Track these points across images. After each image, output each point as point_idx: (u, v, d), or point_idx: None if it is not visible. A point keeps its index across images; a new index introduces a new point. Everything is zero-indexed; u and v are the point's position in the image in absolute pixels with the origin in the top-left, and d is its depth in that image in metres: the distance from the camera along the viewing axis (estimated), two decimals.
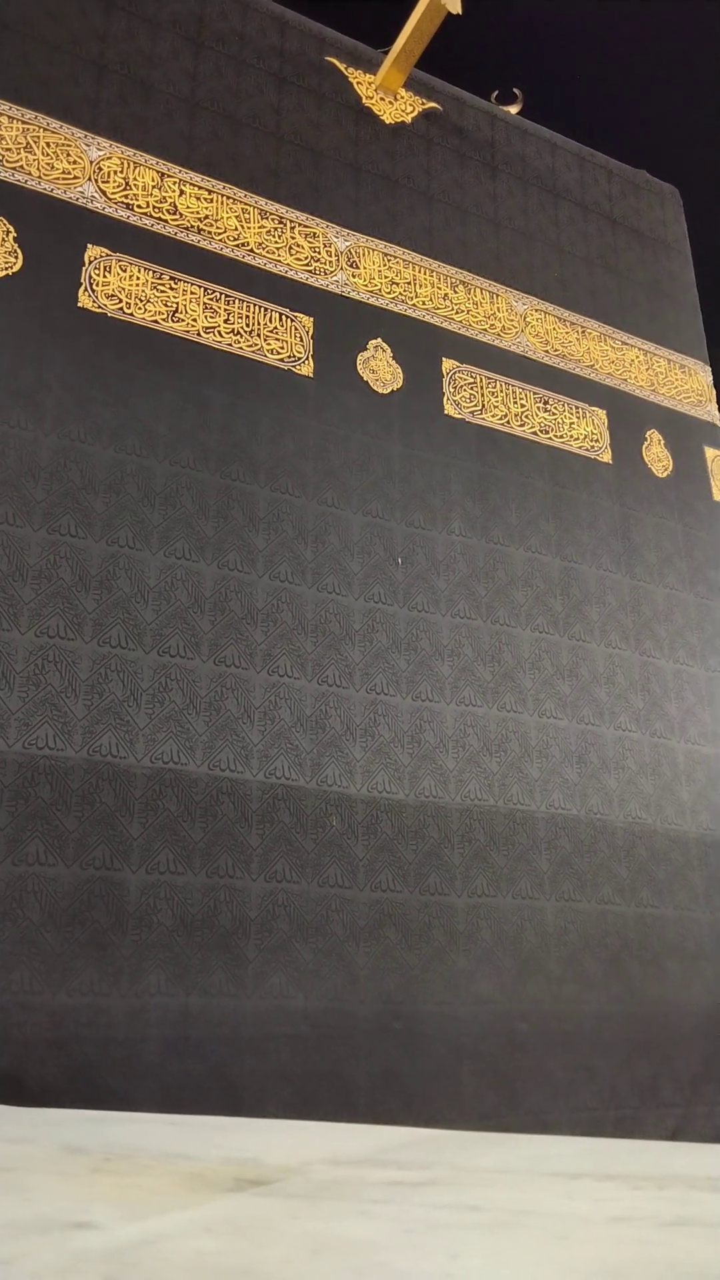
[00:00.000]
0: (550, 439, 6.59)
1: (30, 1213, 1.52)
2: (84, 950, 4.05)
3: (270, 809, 4.69)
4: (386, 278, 6.27)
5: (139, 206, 5.47)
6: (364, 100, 6.65)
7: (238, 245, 5.74)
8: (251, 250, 5.78)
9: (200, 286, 5.50)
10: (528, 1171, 2.05)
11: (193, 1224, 1.47)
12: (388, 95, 6.76)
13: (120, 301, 5.21)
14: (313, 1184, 1.82)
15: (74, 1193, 1.69)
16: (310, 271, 5.96)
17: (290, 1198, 1.68)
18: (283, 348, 5.67)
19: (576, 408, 6.84)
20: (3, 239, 4.97)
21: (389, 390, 5.99)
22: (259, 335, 5.61)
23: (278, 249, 5.88)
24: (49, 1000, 3.92)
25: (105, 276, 5.21)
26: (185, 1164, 2.02)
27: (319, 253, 6.04)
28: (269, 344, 5.62)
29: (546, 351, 6.87)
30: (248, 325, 5.58)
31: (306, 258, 5.98)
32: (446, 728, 5.38)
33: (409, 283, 6.37)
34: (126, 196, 5.45)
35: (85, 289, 5.13)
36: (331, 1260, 1.27)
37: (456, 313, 6.51)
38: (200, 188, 5.73)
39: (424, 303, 6.38)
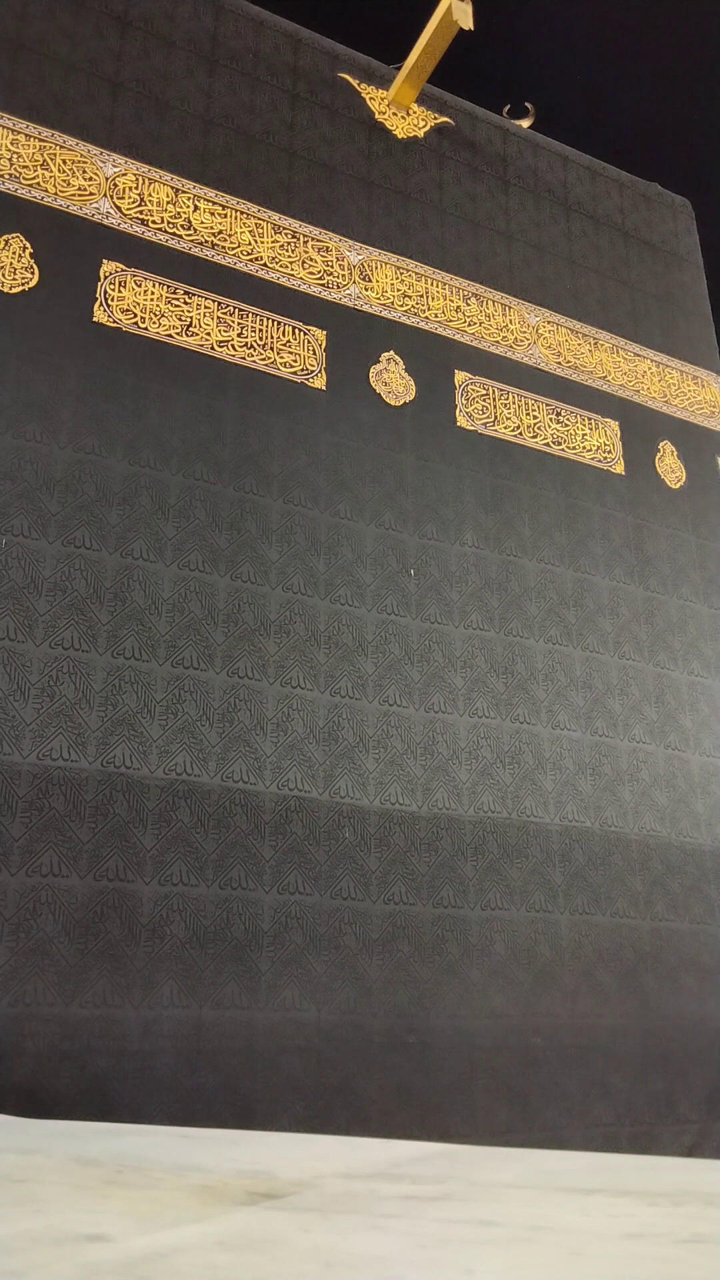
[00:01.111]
0: (563, 450, 6.59)
1: (42, 1224, 1.52)
2: (97, 962, 4.05)
3: (283, 820, 4.69)
4: (399, 291, 6.30)
5: (154, 222, 5.52)
6: (376, 115, 6.70)
7: (251, 260, 5.78)
8: (265, 264, 5.82)
9: (214, 301, 5.54)
10: (542, 1187, 2.03)
11: (205, 1237, 1.46)
12: (400, 110, 6.81)
13: (135, 316, 5.26)
14: (325, 1198, 1.81)
15: (86, 1205, 1.69)
16: (323, 285, 6.00)
17: (303, 1211, 1.67)
18: (296, 361, 5.70)
19: (589, 419, 6.84)
20: (20, 255, 5.03)
21: (401, 402, 6.01)
22: (272, 349, 5.64)
23: (291, 263, 5.92)
24: (62, 1012, 3.92)
25: (120, 291, 5.26)
26: (198, 1177, 2.02)
27: (332, 266, 6.08)
28: (282, 357, 5.66)
29: (559, 363, 6.88)
30: (261, 339, 5.62)
31: (319, 271, 6.02)
32: (459, 739, 5.37)
33: (421, 296, 6.39)
34: (141, 212, 5.50)
35: (100, 304, 5.18)
36: (344, 1275, 1.26)
37: (469, 325, 6.53)
38: (214, 203, 5.78)
39: (436, 315, 6.40)
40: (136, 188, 5.55)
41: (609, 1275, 1.27)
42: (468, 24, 6.24)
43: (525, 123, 7.60)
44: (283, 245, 5.94)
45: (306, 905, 4.59)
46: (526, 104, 7.66)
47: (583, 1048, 5.06)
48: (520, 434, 6.44)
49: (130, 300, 5.28)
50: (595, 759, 5.82)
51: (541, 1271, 1.28)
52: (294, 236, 6.01)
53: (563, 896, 5.34)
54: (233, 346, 5.51)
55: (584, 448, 6.71)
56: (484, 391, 6.40)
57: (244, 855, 4.53)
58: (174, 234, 5.57)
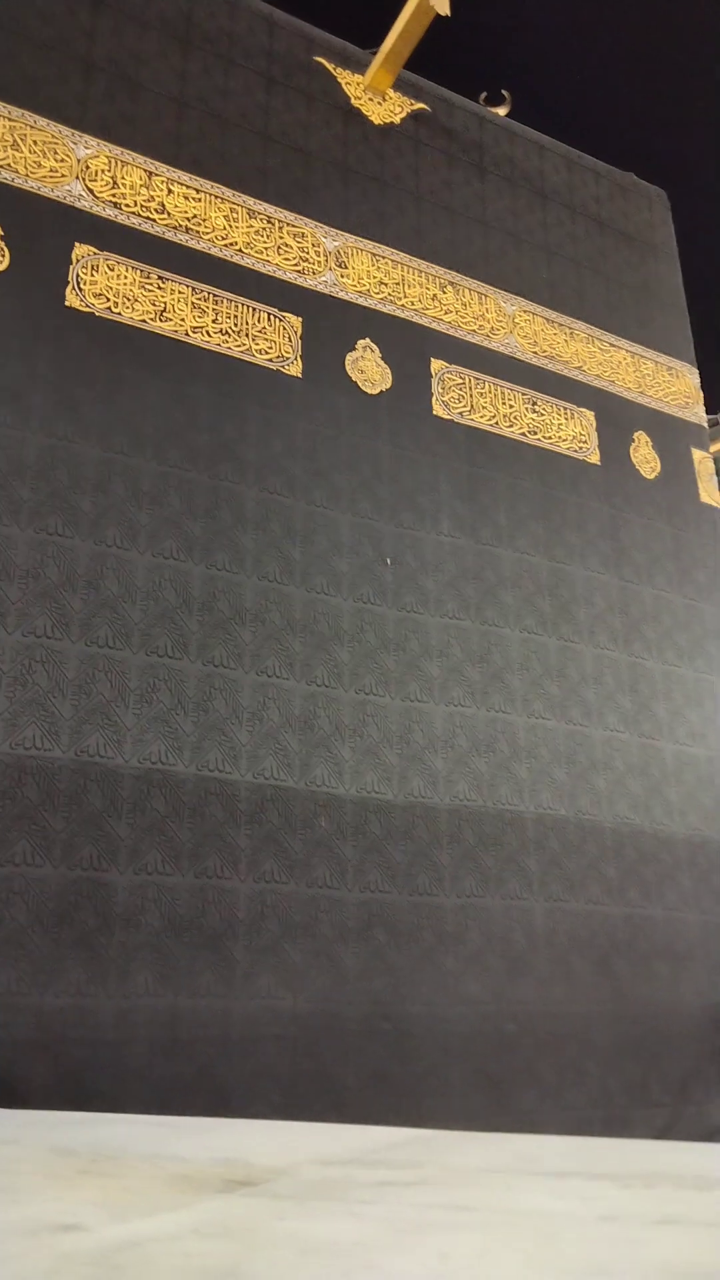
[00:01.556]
0: (539, 440, 6.60)
1: (17, 1214, 1.51)
2: (71, 951, 4.03)
3: (258, 809, 4.68)
4: (375, 278, 6.27)
5: (127, 205, 5.45)
6: (353, 101, 6.65)
7: (226, 245, 5.73)
8: (240, 250, 5.77)
9: (188, 286, 5.49)
10: (517, 1171, 2.05)
11: (181, 1225, 1.46)
12: (376, 96, 6.77)
13: (108, 301, 5.19)
14: (301, 1185, 1.81)
15: (61, 1194, 1.68)
16: (299, 271, 5.96)
17: (279, 1199, 1.67)
18: (271, 348, 5.66)
19: (565, 409, 6.85)
20: None
21: (377, 390, 5.99)
22: (247, 335, 5.60)
23: (266, 249, 5.88)
24: (36, 1001, 3.90)
25: (93, 275, 5.19)
26: (173, 1165, 2.01)
27: (307, 253, 6.04)
28: (257, 344, 5.62)
29: (535, 353, 6.88)
30: (236, 325, 5.58)
31: (295, 258, 5.97)
32: (435, 728, 5.38)
33: (398, 283, 6.37)
34: (114, 195, 5.43)
35: (73, 288, 5.11)
36: (320, 1261, 1.26)
37: (445, 313, 6.52)
38: (188, 187, 5.72)
39: (413, 303, 6.38)
40: (109, 170, 5.47)
41: (582, 1257, 1.28)
42: (445, 10, 6.20)
43: (502, 110, 7.58)
44: (258, 231, 5.89)
45: (282, 894, 4.59)
46: (503, 91, 7.64)
47: (557, 1034, 5.11)
48: (496, 423, 6.44)
49: (103, 284, 5.21)
50: (570, 748, 5.86)
51: (516, 1255, 1.29)
52: (269, 222, 5.96)
53: (537, 884, 5.38)
54: (207, 333, 5.46)
55: (560, 437, 6.73)
56: (460, 380, 6.39)
57: (219, 844, 4.52)
58: (148, 218, 5.51)
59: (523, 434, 6.53)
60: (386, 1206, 1.61)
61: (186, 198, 5.69)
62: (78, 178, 5.34)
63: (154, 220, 5.52)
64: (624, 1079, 5.25)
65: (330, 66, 6.62)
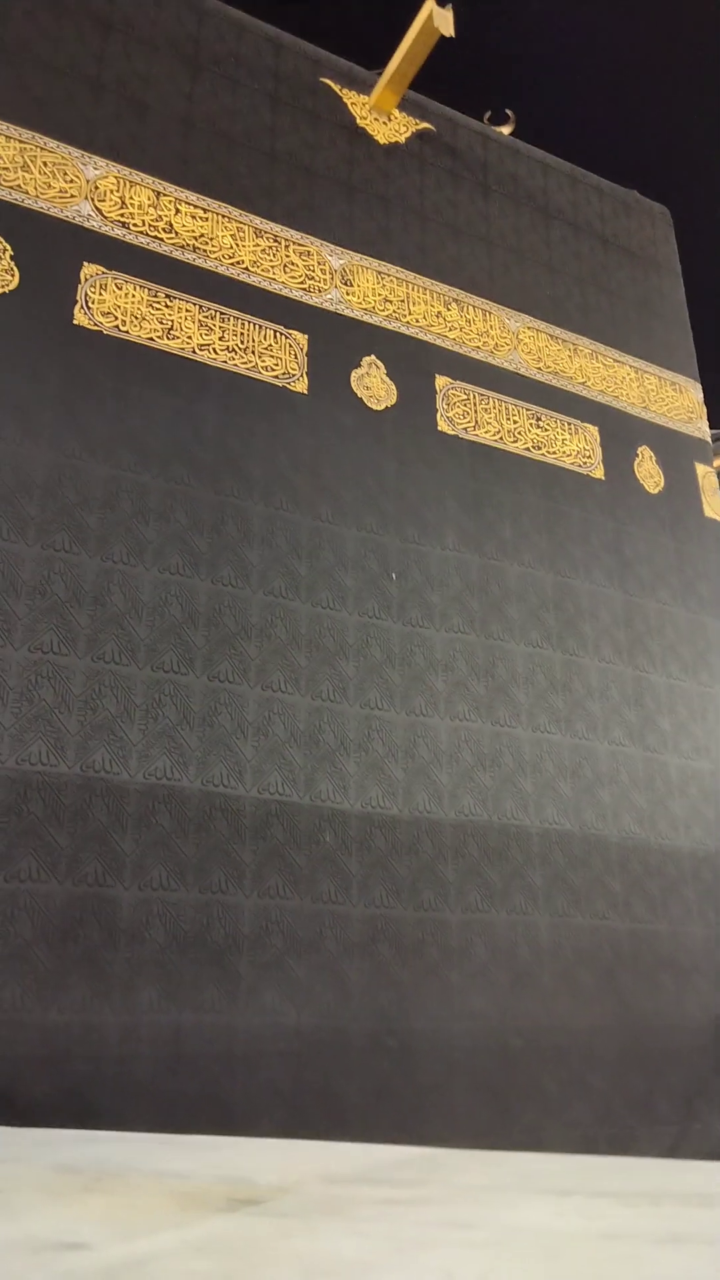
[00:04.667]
0: (543, 455, 6.63)
1: (20, 1233, 1.52)
2: (76, 967, 4.03)
3: (263, 824, 4.69)
4: (380, 295, 6.32)
5: (135, 225, 5.51)
6: (358, 121, 6.72)
7: (233, 263, 5.78)
8: (246, 268, 5.82)
9: (195, 304, 5.54)
10: (520, 1189, 2.05)
11: (184, 1244, 1.46)
12: (381, 116, 6.83)
13: (116, 319, 5.24)
14: (305, 1203, 1.82)
15: (65, 1212, 1.69)
16: (305, 289, 6.01)
17: (282, 1217, 1.67)
18: (277, 364, 5.70)
19: (569, 424, 6.88)
20: (0, 257, 5.01)
21: (383, 406, 6.03)
22: (253, 352, 5.64)
23: (272, 267, 5.93)
24: (40, 1017, 3.90)
25: (101, 294, 5.25)
26: (177, 1183, 2.01)
27: (313, 271, 6.09)
28: (263, 361, 5.66)
29: (539, 369, 6.92)
30: (242, 342, 5.62)
31: (301, 276, 6.02)
32: (440, 742, 5.38)
33: (402, 300, 6.41)
34: (123, 215, 5.49)
35: (81, 306, 5.16)
36: (323, 1279, 1.27)
37: (450, 330, 6.56)
38: (196, 206, 5.78)
39: (417, 320, 6.43)
40: (118, 190, 5.53)
41: (587, 1276, 1.28)
42: (449, 31, 6.27)
43: (506, 129, 7.64)
44: (264, 249, 5.94)
45: (287, 909, 4.59)
46: (507, 111, 7.71)
47: (561, 1049, 5.09)
48: (501, 438, 6.47)
49: (111, 303, 5.26)
50: (575, 762, 5.85)
51: (520, 1273, 1.29)
52: (275, 240, 6.01)
53: (542, 898, 5.37)
54: (214, 350, 5.51)
55: (564, 452, 6.75)
56: (465, 396, 6.43)
57: (224, 859, 4.53)
58: (155, 237, 5.56)
59: (527, 449, 6.56)
60: (390, 1225, 1.61)
61: (194, 217, 5.74)
62: (87, 198, 5.40)
63: (162, 239, 5.58)
64: (629, 1095, 5.23)
65: (336, 87, 6.69)
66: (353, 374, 5.99)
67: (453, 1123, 4.63)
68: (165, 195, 5.69)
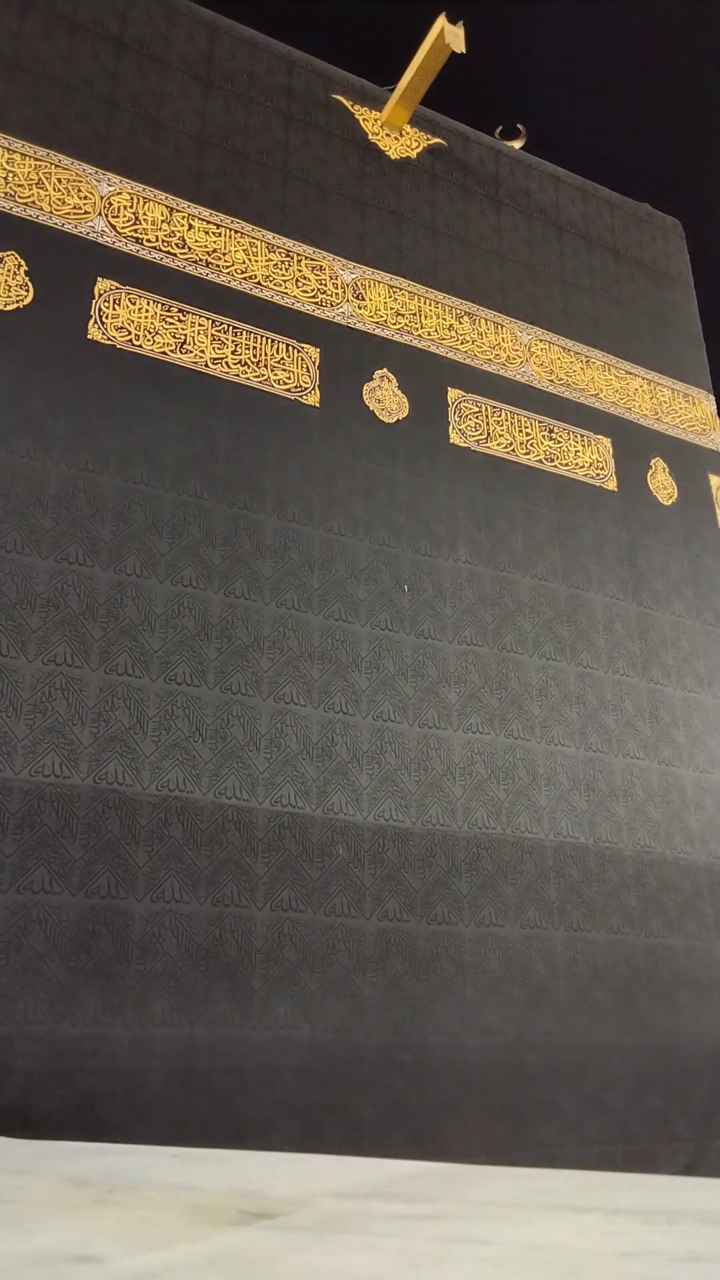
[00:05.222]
0: (555, 467, 6.62)
1: (32, 1245, 1.51)
2: (88, 980, 4.02)
3: (276, 837, 4.67)
4: (392, 309, 6.35)
5: (148, 241, 5.56)
6: (370, 136, 6.77)
7: (245, 278, 5.82)
8: (259, 283, 5.86)
9: (208, 318, 5.57)
10: (537, 1205, 2.02)
11: (197, 1257, 1.45)
12: (393, 131, 6.88)
13: (129, 334, 5.28)
14: (318, 1217, 1.79)
15: (77, 1225, 1.67)
16: (317, 303, 6.04)
17: (295, 1231, 1.65)
18: (289, 378, 5.73)
19: (581, 436, 6.88)
20: (15, 272, 5.06)
21: (395, 419, 6.04)
22: (266, 366, 5.67)
23: (285, 281, 5.96)
24: (52, 1030, 3.89)
25: (115, 309, 5.29)
26: (190, 1196, 2.00)
27: (325, 285, 6.12)
28: (276, 374, 5.68)
29: (551, 381, 6.92)
30: (255, 356, 5.65)
31: (313, 290, 6.06)
32: (453, 755, 5.36)
33: (414, 314, 6.44)
34: (136, 231, 5.54)
35: (95, 321, 5.20)
36: None
37: (461, 343, 6.58)
38: (209, 222, 5.82)
39: (429, 334, 6.44)
40: (131, 206, 5.58)
41: None
42: (460, 47, 6.31)
43: (517, 144, 7.68)
44: (277, 264, 5.98)
45: (300, 922, 4.57)
46: (518, 125, 7.75)
47: (577, 1065, 5.03)
48: (513, 451, 6.47)
49: (125, 318, 5.30)
50: (589, 775, 5.82)
51: None
52: (288, 255, 6.05)
53: (557, 913, 5.32)
54: (226, 364, 5.54)
55: (576, 464, 6.74)
56: (477, 409, 6.44)
57: (237, 872, 4.51)
58: (169, 252, 5.61)
59: (539, 461, 6.56)
60: (404, 1240, 1.59)
61: (207, 232, 5.79)
62: (101, 214, 5.46)
63: (175, 255, 5.63)
64: (646, 1112, 5.16)
65: (348, 104, 6.75)
66: (365, 387, 6.02)
67: (467, 1139, 4.59)
68: (178, 211, 5.74)
